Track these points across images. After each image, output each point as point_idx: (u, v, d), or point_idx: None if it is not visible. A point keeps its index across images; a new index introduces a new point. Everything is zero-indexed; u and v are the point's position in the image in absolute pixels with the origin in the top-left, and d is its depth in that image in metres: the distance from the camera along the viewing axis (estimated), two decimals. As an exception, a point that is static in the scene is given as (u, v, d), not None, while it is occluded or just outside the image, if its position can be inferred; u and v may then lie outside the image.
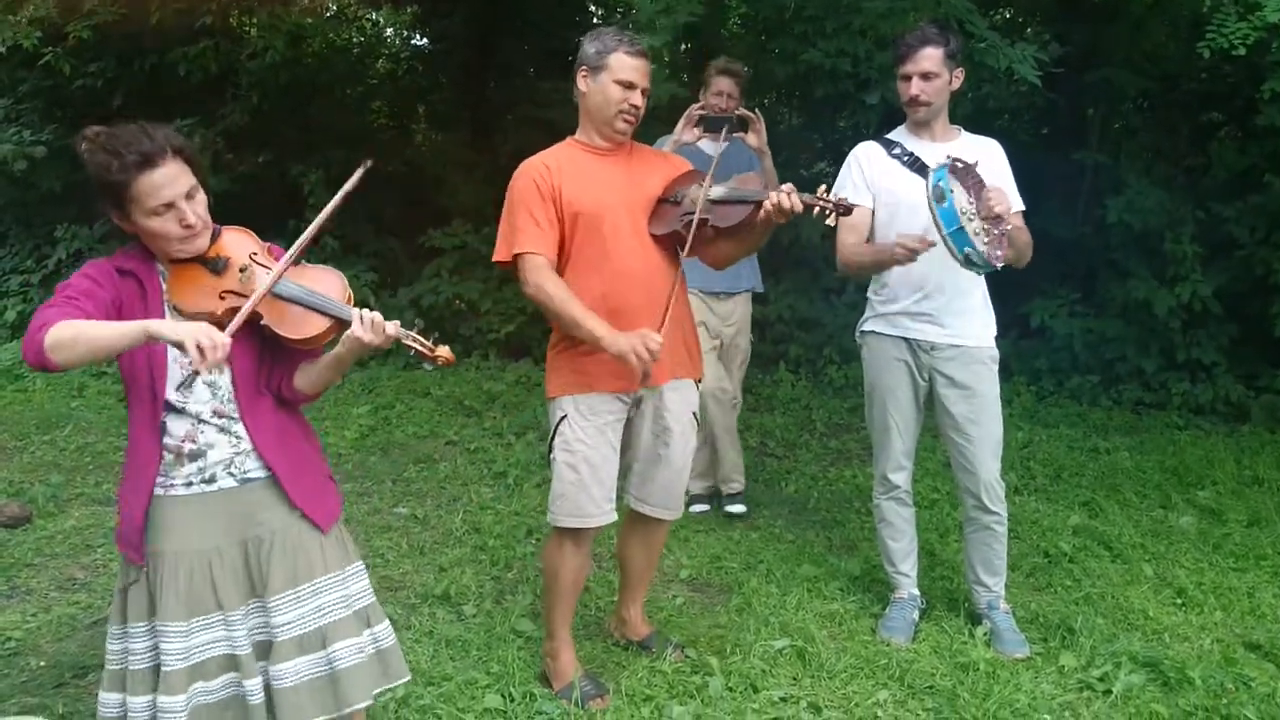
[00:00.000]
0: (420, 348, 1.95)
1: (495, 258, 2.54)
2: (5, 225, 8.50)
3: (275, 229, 4.10)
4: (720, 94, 3.81)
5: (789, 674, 2.76)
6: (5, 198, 8.15)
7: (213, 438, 1.87)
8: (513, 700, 2.60)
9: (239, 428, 1.89)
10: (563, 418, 2.53)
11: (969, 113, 6.17)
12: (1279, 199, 5.67)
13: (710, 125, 3.60)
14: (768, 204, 2.35)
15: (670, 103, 4.29)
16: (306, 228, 1.92)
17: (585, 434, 2.51)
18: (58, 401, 6.05)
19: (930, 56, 2.78)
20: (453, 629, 3.03)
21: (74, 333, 1.65)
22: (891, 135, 2.98)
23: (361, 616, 2.02)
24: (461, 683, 2.66)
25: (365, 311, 1.87)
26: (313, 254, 3.09)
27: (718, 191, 2.46)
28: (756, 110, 3.68)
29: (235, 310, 1.79)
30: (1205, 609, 3.23)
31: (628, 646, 2.91)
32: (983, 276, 2.81)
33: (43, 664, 2.84)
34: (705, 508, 4.13)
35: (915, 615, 3.07)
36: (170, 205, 1.77)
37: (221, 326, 1.71)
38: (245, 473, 1.90)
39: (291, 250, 1.89)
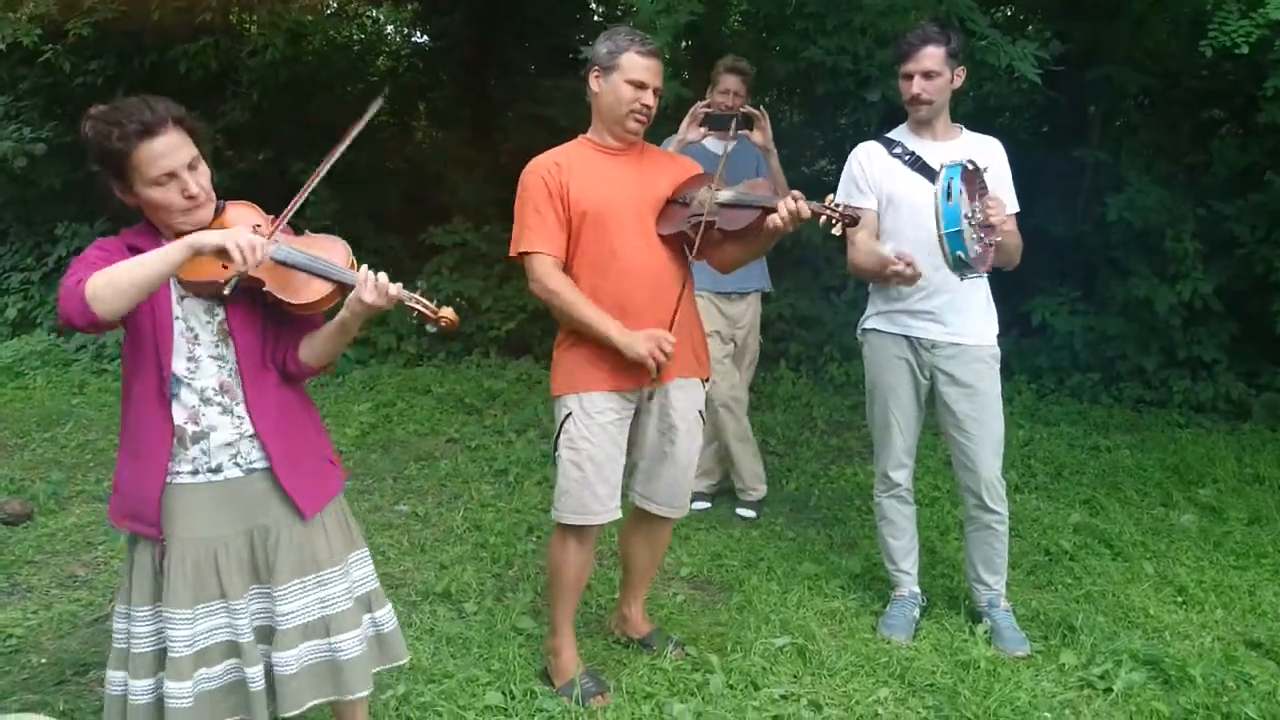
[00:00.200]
0: (423, 309, 1.94)
1: (509, 254, 2.57)
2: (5, 223, 8.49)
3: (276, 226, 4.09)
4: (727, 92, 3.80)
5: (789, 671, 2.76)
6: (5, 195, 8.14)
7: (215, 419, 1.87)
8: (513, 698, 2.61)
9: (241, 409, 1.89)
10: (567, 415, 2.53)
11: (969, 111, 6.16)
12: (1280, 197, 5.68)
13: (715, 123, 3.60)
14: (778, 216, 2.35)
15: (676, 102, 4.28)
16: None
17: (590, 431, 2.51)
18: (58, 399, 6.05)
19: (932, 55, 2.78)
20: (453, 626, 3.03)
21: (110, 277, 1.65)
22: (892, 134, 2.98)
23: (363, 602, 2.05)
24: (462, 680, 2.67)
25: (367, 271, 1.87)
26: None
27: (726, 195, 2.47)
28: (761, 107, 3.68)
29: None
30: (1206, 607, 3.23)
31: (629, 644, 2.92)
32: (984, 276, 2.81)
33: (44, 661, 2.84)
34: (706, 505, 4.13)
35: (916, 613, 3.07)
36: (172, 175, 1.78)
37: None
38: (251, 463, 1.91)
39: (306, 185, 1.90)
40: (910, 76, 2.82)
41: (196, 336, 1.86)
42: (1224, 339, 5.95)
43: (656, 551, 2.87)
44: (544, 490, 4.27)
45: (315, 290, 1.89)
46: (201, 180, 1.83)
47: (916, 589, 3.13)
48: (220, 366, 1.88)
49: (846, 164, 3.00)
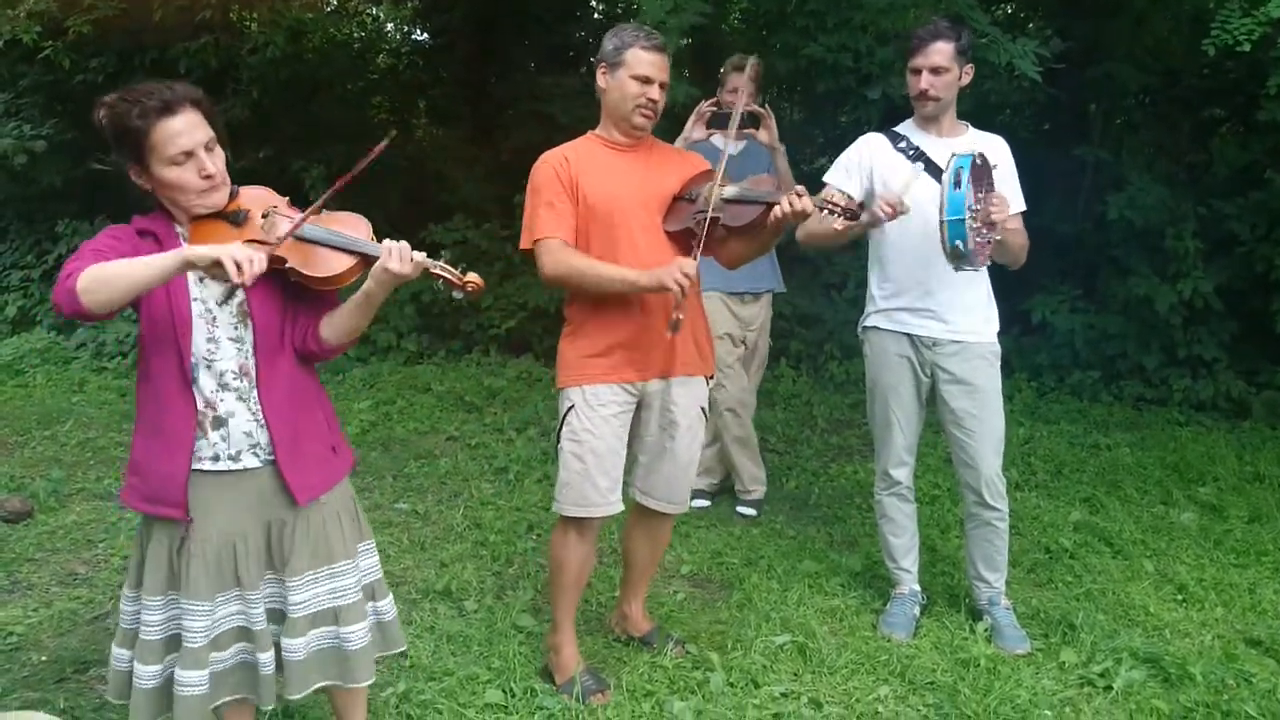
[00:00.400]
0: (449, 276, 1.94)
1: (520, 246, 2.57)
2: (6, 220, 8.49)
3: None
4: (735, 91, 3.80)
5: (790, 669, 2.77)
6: (5, 193, 8.13)
7: (232, 405, 1.88)
8: (514, 695, 2.61)
9: (254, 394, 1.89)
10: (570, 408, 2.54)
11: (970, 108, 6.11)
12: (1280, 195, 5.67)
13: (720, 122, 3.60)
14: (780, 208, 2.35)
15: (686, 100, 4.28)
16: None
17: (592, 424, 2.52)
18: (59, 396, 6.05)
19: (941, 51, 2.77)
20: (454, 624, 3.03)
21: (105, 273, 1.65)
22: (899, 129, 2.97)
23: (368, 591, 2.09)
24: (463, 678, 2.67)
25: (390, 242, 1.87)
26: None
27: (731, 191, 2.47)
28: (766, 106, 3.67)
29: None
30: (1206, 605, 3.23)
31: (629, 642, 2.92)
32: (984, 272, 2.81)
33: (44, 659, 2.84)
34: (706, 503, 4.13)
35: (916, 611, 3.07)
36: (190, 154, 1.79)
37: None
38: (269, 454, 1.91)
39: (318, 203, 1.89)
40: (919, 71, 2.81)
41: (215, 319, 1.86)
42: (1224, 337, 5.96)
43: (657, 549, 2.87)
44: (544, 488, 4.27)
45: (339, 263, 1.89)
46: (218, 162, 1.84)
47: (917, 587, 3.13)
48: (239, 349, 1.88)
49: (846, 149, 2.99)
